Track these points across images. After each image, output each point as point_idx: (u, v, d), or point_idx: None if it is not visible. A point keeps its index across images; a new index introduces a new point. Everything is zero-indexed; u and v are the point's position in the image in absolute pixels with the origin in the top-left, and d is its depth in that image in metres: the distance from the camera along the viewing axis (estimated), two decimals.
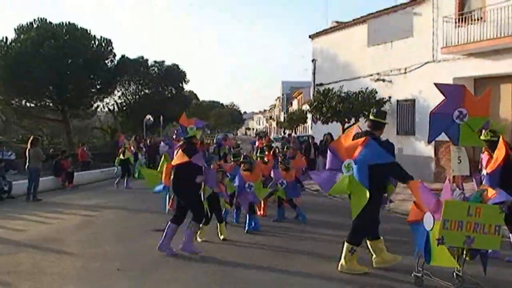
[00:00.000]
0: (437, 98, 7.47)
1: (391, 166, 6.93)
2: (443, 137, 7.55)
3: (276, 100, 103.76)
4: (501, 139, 7.83)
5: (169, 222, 8.81)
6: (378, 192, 7.11)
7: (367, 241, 7.59)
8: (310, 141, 22.60)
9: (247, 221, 10.61)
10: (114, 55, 46.16)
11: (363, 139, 7.01)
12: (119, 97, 52.87)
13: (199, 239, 9.61)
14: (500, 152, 7.63)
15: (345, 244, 7.31)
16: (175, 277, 7.34)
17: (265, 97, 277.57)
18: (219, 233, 9.91)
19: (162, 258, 8.38)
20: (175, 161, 8.68)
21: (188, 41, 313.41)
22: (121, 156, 20.73)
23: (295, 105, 71.35)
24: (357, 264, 7.33)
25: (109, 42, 44.87)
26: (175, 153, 9.32)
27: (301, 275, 7.36)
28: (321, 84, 26.34)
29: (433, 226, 6.00)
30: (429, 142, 7.99)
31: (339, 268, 7.34)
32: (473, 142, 7.92)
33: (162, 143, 26.82)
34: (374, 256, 7.62)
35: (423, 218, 6.21)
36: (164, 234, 8.72)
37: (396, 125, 21.62)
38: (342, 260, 7.33)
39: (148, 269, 7.74)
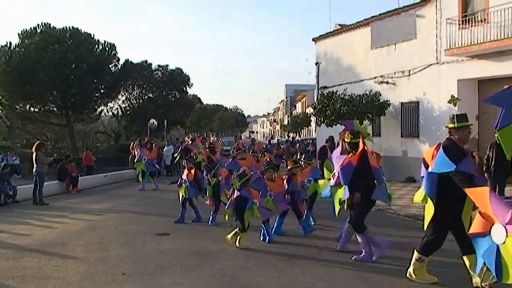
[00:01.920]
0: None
1: (453, 174, 6.35)
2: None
3: (280, 103, 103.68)
4: (361, 139, 8.26)
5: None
6: (448, 203, 6.51)
7: (463, 256, 6.68)
8: (327, 145, 21.15)
9: (266, 231, 10.07)
10: (118, 60, 46.33)
11: (435, 146, 6.84)
12: (123, 101, 53.03)
13: (237, 244, 9.43)
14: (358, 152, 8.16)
15: (415, 252, 6.94)
16: (181, 281, 7.31)
17: (269, 100, 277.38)
18: (237, 240, 9.56)
19: (167, 262, 8.36)
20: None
21: (192, 45, 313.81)
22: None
23: (299, 108, 71.34)
24: (426, 273, 6.96)
25: (113, 47, 45.02)
26: None
27: (309, 279, 7.32)
28: (325, 87, 26.30)
29: (505, 239, 5.32)
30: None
31: (407, 275, 6.98)
32: None
33: (166, 147, 26.88)
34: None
35: (491, 230, 5.47)
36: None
37: (400, 127, 21.58)
38: (411, 268, 6.98)
39: (153, 273, 7.72)
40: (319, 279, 7.26)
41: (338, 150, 8.96)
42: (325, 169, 9.37)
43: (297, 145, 30.69)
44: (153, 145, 23.78)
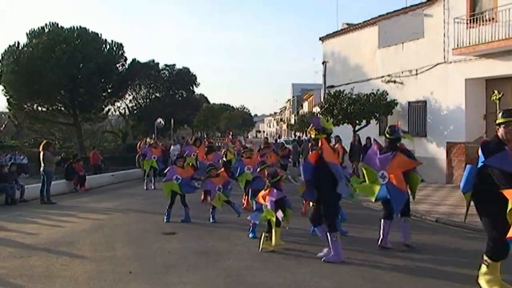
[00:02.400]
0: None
1: (491, 171, 5.95)
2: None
3: (286, 102, 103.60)
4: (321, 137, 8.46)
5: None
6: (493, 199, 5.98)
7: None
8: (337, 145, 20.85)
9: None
10: (125, 59, 46.51)
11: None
12: (130, 100, 53.24)
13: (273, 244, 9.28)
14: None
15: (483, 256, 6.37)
16: (187, 280, 7.31)
17: (275, 100, 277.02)
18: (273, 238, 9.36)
19: (174, 261, 8.37)
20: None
21: (199, 44, 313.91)
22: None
23: (305, 108, 71.18)
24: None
25: (120, 46, 45.17)
26: None
27: (316, 278, 7.30)
28: (332, 86, 26.27)
29: None
30: None
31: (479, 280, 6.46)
32: None
33: (172, 146, 26.82)
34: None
35: None
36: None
37: (407, 126, 21.51)
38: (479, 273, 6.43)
39: (160, 272, 7.73)
40: (326, 279, 7.24)
41: (374, 149, 8.93)
42: (364, 171, 9.03)
43: (308, 144, 30.33)
44: (160, 144, 23.82)
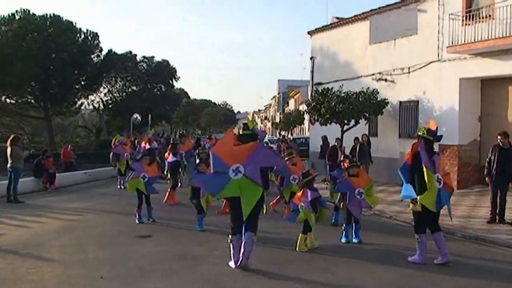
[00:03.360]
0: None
1: None
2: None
3: (271, 99, 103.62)
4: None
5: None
6: None
7: None
8: (337, 144, 20.40)
9: (354, 230, 10.42)
10: (101, 50, 46.32)
11: None
12: (105, 94, 52.95)
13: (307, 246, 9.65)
14: None
15: None
16: (163, 286, 7.30)
17: (260, 96, 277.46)
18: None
19: (149, 266, 8.34)
20: None
21: (180, 36, 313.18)
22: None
23: (291, 105, 71.41)
24: None
25: (95, 36, 44.93)
26: None
27: (297, 284, 7.34)
28: (320, 83, 26.33)
29: None
30: None
31: None
32: None
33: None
34: None
35: None
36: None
37: (398, 127, 21.65)
38: None
39: (134, 277, 7.70)
40: (310, 284, 7.28)
41: (424, 153, 8.52)
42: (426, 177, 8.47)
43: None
44: (136, 141, 23.74)
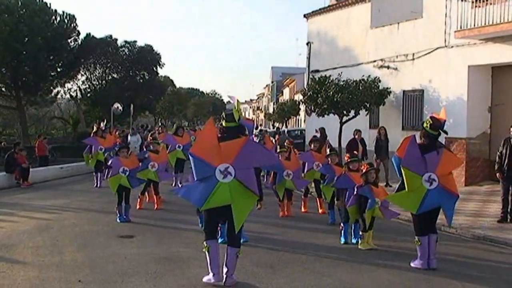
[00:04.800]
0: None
1: None
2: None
3: (264, 88, 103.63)
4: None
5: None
6: None
7: None
8: (356, 136, 19.88)
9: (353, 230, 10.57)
10: (78, 33, 45.98)
11: None
12: (83, 82, 52.68)
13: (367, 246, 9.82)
14: None
15: None
16: None
17: (251, 85, 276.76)
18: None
19: (131, 269, 8.34)
20: None
21: (164, 19, 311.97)
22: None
23: (286, 95, 71.44)
24: None
25: (72, 18, 44.66)
26: None
27: None
28: (317, 71, 26.34)
29: None
30: None
31: None
32: None
33: (130, 136, 26.48)
34: None
35: None
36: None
37: (402, 118, 21.67)
38: None
39: (114, 281, 7.69)
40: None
41: (416, 147, 8.51)
42: (404, 177, 8.52)
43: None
44: (113, 131, 23.57)
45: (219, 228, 10.10)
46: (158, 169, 14.04)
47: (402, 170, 8.36)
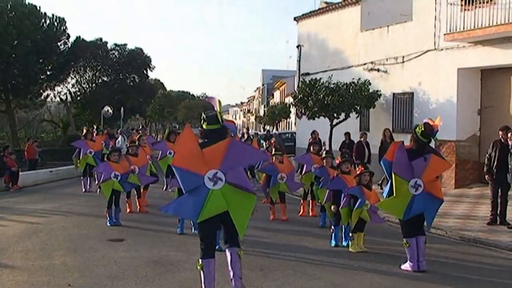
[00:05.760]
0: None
1: None
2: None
3: (255, 91, 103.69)
4: None
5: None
6: None
7: None
8: (362, 139, 19.51)
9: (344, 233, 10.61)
10: (68, 36, 45.82)
11: None
12: (73, 85, 52.41)
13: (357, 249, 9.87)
14: None
15: None
16: None
17: (242, 88, 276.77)
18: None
19: (121, 272, 8.32)
20: None
21: (155, 22, 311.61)
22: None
23: (277, 98, 71.50)
24: None
25: (62, 21, 44.49)
26: None
27: None
28: (307, 74, 26.36)
29: None
30: None
31: None
32: None
33: (120, 137, 26.34)
34: None
35: None
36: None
37: (392, 121, 21.71)
38: None
39: (104, 285, 7.68)
40: None
41: (404, 153, 8.52)
42: (394, 182, 8.52)
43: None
44: (104, 132, 23.52)
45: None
46: (140, 172, 13.91)
47: (392, 175, 8.42)
